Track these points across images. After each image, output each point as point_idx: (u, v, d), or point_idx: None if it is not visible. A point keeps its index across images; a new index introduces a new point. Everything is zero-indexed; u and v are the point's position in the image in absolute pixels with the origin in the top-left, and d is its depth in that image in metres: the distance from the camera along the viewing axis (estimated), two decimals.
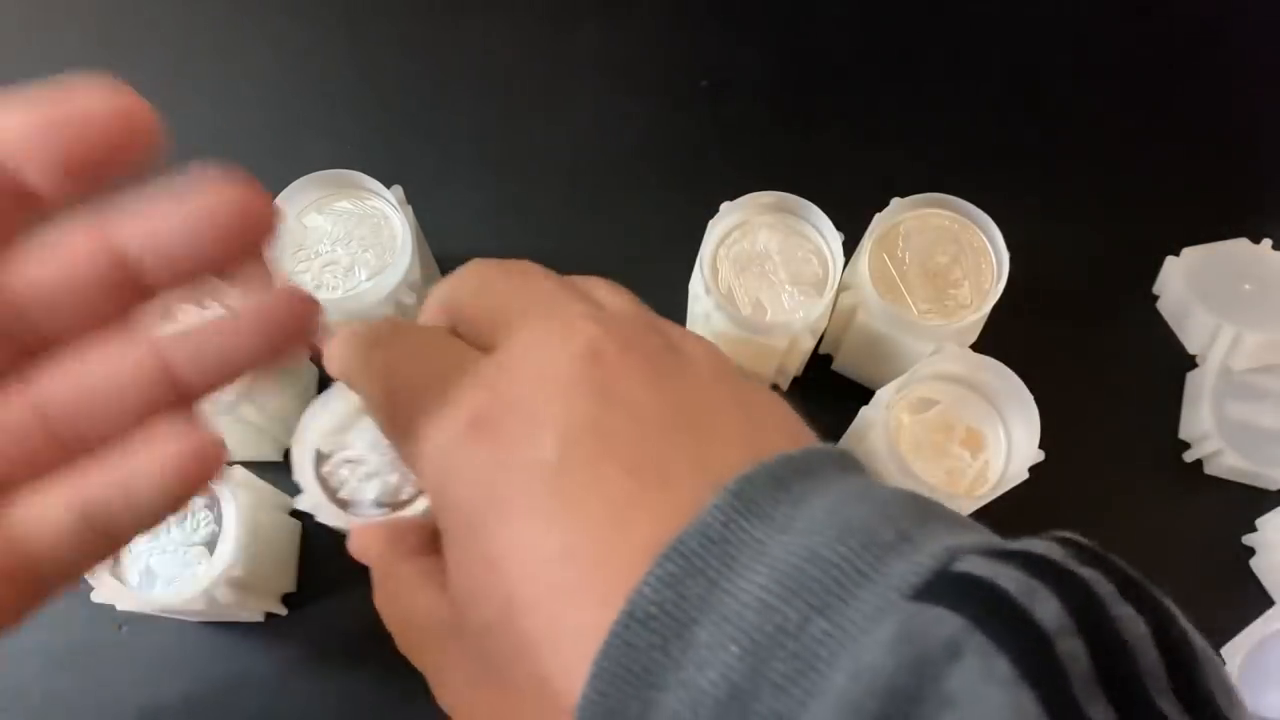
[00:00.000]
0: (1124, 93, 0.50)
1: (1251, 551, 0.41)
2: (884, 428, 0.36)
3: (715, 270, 0.38)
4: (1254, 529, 0.41)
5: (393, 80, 0.49)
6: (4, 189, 0.19)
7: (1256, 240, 0.44)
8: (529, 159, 0.47)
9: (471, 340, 0.24)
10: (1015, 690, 0.16)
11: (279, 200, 0.38)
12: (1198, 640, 0.18)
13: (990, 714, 0.15)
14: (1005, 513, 0.35)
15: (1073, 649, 0.16)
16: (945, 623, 0.16)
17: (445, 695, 0.25)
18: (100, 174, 0.20)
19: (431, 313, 0.26)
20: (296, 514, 0.40)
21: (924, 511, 0.19)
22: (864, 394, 0.40)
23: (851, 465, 0.22)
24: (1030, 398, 0.36)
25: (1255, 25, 0.51)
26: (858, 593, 0.18)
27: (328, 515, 0.34)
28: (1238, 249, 0.44)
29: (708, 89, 0.49)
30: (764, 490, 0.19)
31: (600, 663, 0.18)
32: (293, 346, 0.22)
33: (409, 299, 0.38)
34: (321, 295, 0.37)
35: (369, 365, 0.25)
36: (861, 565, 0.18)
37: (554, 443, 0.20)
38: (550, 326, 0.23)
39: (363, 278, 0.38)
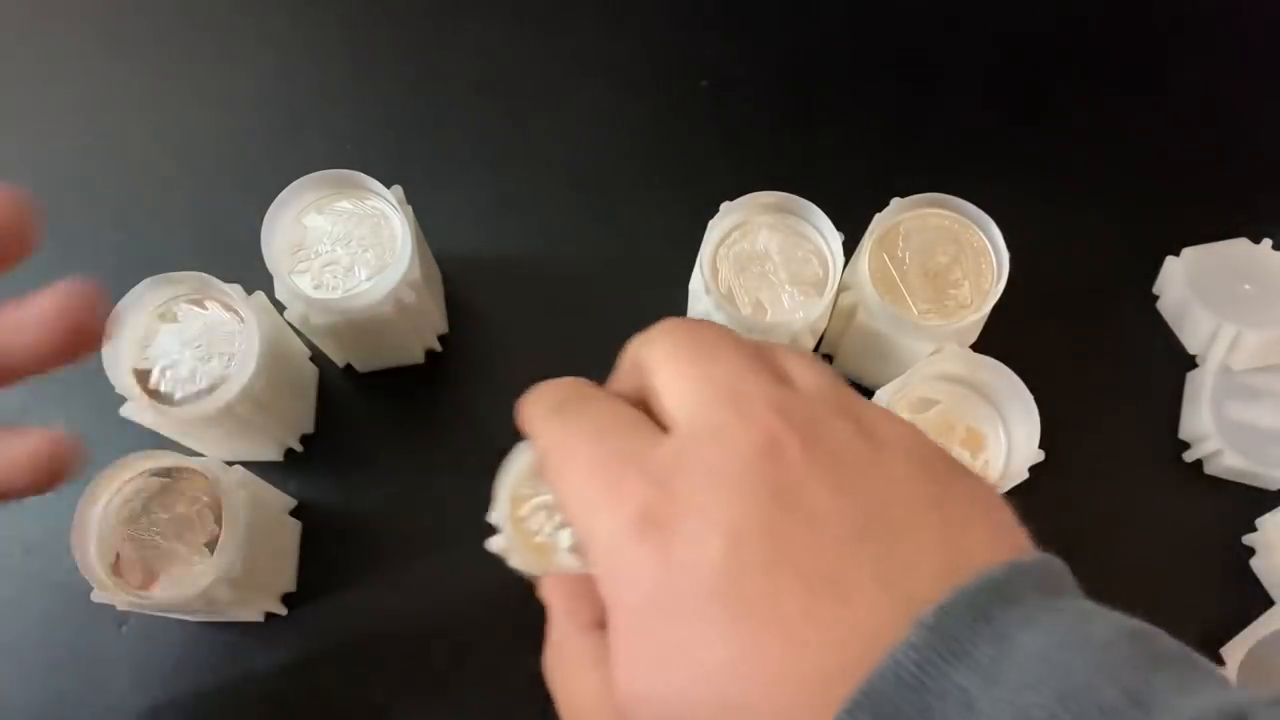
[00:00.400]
0: (1124, 93, 0.50)
1: (1251, 551, 0.41)
2: None
3: (715, 270, 0.38)
4: (1254, 529, 0.41)
5: (393, 80, 0.49)
6: None
7: (1256, 240, 0.44)
8: (529, 159, 0.47)
9: (655, 409, 0.23)
10: None
11: (278, 201, 0.38)
12: None
13: None
14: None
15: None
16: None
17: None
18: None
19: (625, 371, 0.25)
20: (296, 513, 0.40)
21: (1146, 656, 0.17)
22: (864, 394, 0.40)
23: (1056, 584, 0.20)
24: (1030, 398, 0.36)
25: (1256, 25, 0.51)
26: None
27: (519, 560, 0.33)
28: (1238, 249, 0.44)
29: (708, 89, 0.49)
30: (963, 624, 0.17)
31: None
32: (82, 338, 0.23)
33: (409, 298, 0.38)
34: (321, 295, 0.37)
35: (549, 431, 0.24)
36: None
37: (723, 546, 0.19)
38: (730, 416, 0.21)
39: (363, 277, 0.38)
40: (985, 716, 0.16)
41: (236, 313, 0.37)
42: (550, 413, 0.24)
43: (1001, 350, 0.37)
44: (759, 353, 0.24)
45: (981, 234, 0.39)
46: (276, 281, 0.37)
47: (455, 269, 0.44)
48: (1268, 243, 0.44)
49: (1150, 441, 0.43)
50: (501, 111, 0.48)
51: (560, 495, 0.23)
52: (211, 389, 0.36)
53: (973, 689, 0.17)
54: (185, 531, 0.35)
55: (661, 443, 0.22)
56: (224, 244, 0.44)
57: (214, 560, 0.34)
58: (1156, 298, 0.45)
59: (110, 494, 0.35)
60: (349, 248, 0.38)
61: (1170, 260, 0.45)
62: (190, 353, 0.36)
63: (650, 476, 0.21)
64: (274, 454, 0.41)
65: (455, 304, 0.44)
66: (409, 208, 0.38)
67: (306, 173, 0.38)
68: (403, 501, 0.40)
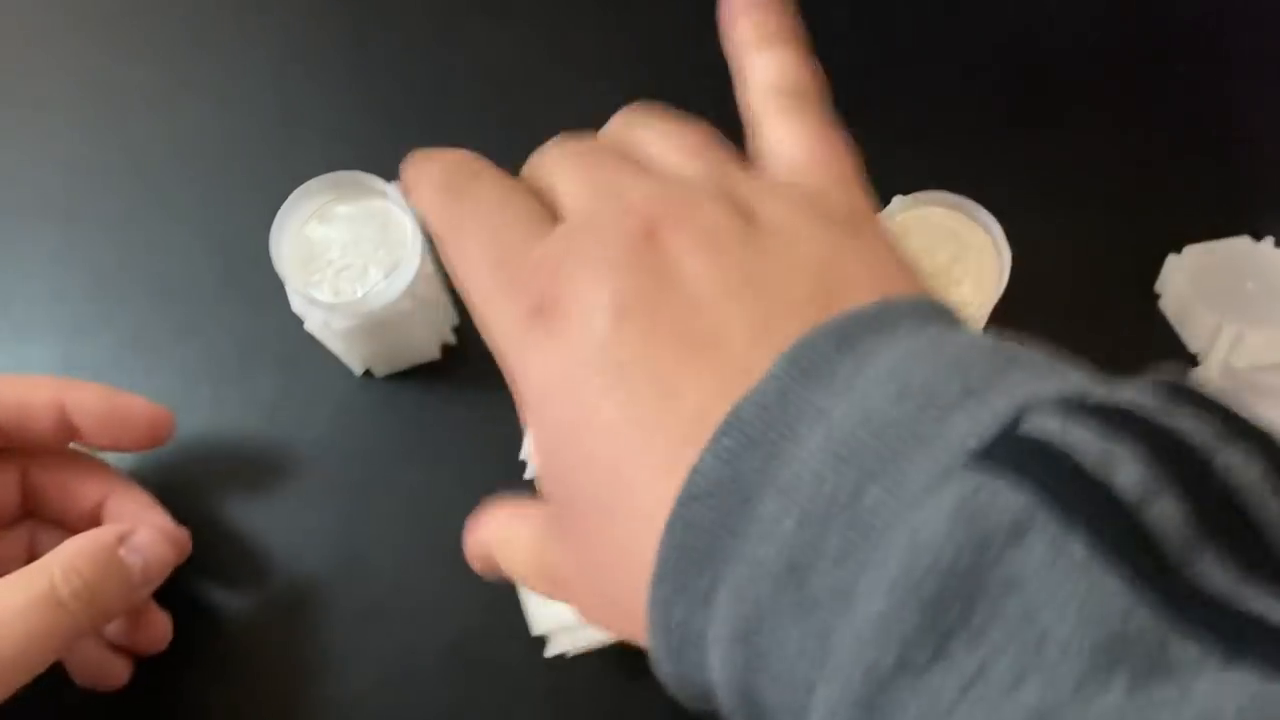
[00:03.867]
0: (1125, 91, 0.50)
1: None
2: None
3: None
4: None
5: (393, 80, 0.49)
6: None
7: (1258, 238, 0.44)
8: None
9: (551, 208, 0.25)
10: (1093, 573, 0.14)
11: (280, 215, 0.38)
12: None
13: (1064, 601, 0.14)
14: None
15: (1161, 513, 0.14)
16: (1008, 497, 0.14)
17: (567, 594, 0.24)
18: None
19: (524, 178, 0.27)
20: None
21: (1005, 359, 0.18)
22: None
23: (938, 314, 0.20)
24: None
25: (1257, 22, 0.51)
26: (915, 458, 0.16)
27: None
28: (1239, 247, 0.44)
29: (709, 89, 0.49)
30: (825, 351, 0.18)
31: (665, 540, 0.18)
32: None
33: (425, 290, 0.38)
34: (342, 301, 0.37)
35: (440, 213, 0.25)
36: (919, 427, 0.16)
37: (605, 320, 0.20)
38: (607, 209, 0.23)
39: (380, 276, 0.38)
40: (836, 425, 0.17)
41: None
42: (439, 191, 0.25)
43: None
44: (636, 146, 0.26)
45: (983, 232, 0.39)
46: (291, 295, 0.37)
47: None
48: (1269, 240, 0.44)
49: None
50: (502, 111, 0.48)
51: (459, 283, 0.24)
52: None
53: (828, 405, 0.17)
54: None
55: (548, 232, 0.23)
56: (223, 243, 0.44)
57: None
58: (1158, 296, 0.45)
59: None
60: (359, 249, 0.38)
61: (1171, 259, 0.44)
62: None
63: (541, 270, 0.22)
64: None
65: (456, 304, 0.44)
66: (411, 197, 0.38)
67: (307, 172, 0.38)
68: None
